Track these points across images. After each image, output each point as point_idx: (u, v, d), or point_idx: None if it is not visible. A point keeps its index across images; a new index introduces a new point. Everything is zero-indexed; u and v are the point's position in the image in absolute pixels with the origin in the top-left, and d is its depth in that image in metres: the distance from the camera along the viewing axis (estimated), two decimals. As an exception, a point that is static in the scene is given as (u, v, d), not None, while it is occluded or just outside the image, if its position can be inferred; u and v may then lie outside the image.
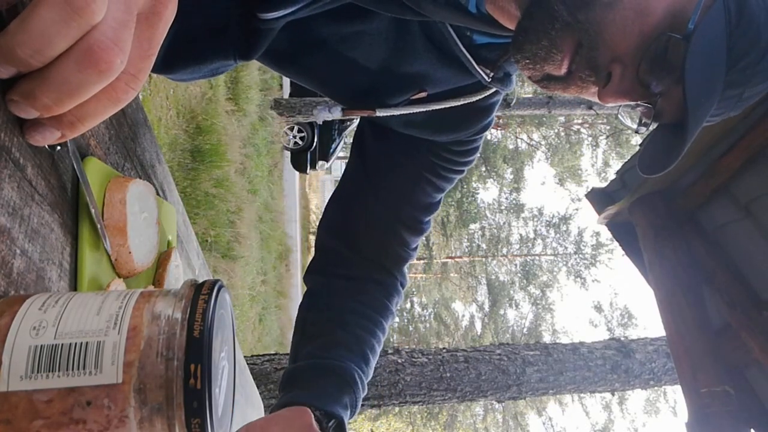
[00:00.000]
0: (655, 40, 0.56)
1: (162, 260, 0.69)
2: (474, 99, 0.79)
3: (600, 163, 16.42)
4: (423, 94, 0.79)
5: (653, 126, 0.65)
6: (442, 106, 0.78)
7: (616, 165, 14.93)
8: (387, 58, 0.75)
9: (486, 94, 0.80)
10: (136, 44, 0.33)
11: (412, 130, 0.84)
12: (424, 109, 0.79)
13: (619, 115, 0.68)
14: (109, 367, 0.28)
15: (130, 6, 0.32)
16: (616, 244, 2.57)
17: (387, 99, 0.80)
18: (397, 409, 16.76)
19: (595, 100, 0.65)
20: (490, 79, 0.75)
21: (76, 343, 0.28)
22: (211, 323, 0.30)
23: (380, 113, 0.78)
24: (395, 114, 0.79)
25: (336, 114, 0.81)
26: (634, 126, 0.66)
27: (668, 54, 0.56)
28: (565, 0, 0.57)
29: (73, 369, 0.28)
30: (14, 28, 0.29)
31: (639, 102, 0.61)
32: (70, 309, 0.31)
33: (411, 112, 0.78)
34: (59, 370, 0.28)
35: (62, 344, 0.28)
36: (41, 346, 0.28)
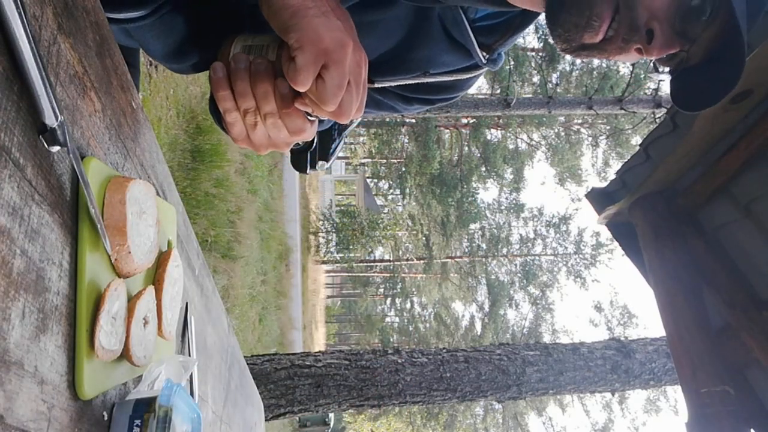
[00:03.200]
0: None
1: (162, 260, 0.69)
2: (464, 77, 0.87)
3: (600, 163, 16.41)
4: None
5: (666, 74, 0.70)
6: (435, 80, 0.85)
7: (616, 165, 14.92)
8: (399, 43, 0.81)
9: (474, 74, 0.87)
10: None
11: (396, 89, 0.91)
12: (419, 81, 0.85)
13: (651, 69, 0.71)
14: (271, 54, 0.62)
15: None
16: (615, 244, 2.56)
17: (390, 77, 0.85)
18: (397, 409, 16.76)
19: (630, 59, 0.68)
20: (485, 61, 0.83)
21: (260, 45, 0.62)
22: None
23: (378, 84, 0.85)
24: (392, 84, 0.86)
25: None
26: (664, 74, 0.70)
27: (697, 2, 0.61)
28: None
29: (256, 54, 0.62)
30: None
31: (678, 50, 0.65)
32: (256, 35, 0.64)
33: (406, 83, 0.86)
34: (251, 53, 0.62)
35: (255, 44, 0.63)
36: (246, 45, 0.63)
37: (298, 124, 0.62)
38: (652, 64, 0.71)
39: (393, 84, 0.85)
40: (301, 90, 0.57)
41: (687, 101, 0.68)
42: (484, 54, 0.82)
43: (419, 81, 0.85)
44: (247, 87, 0.60)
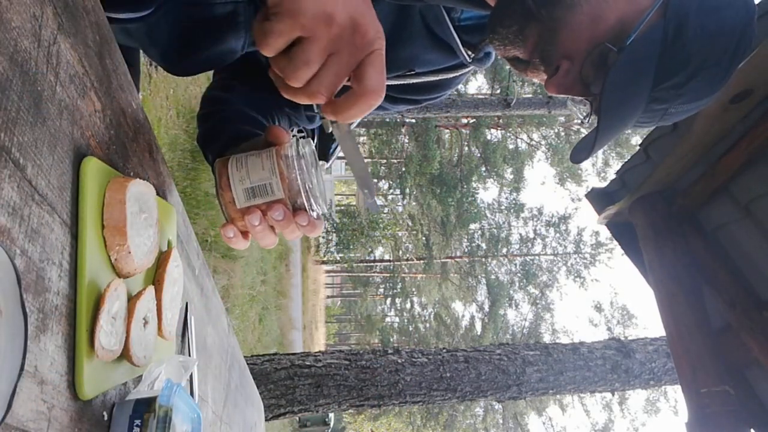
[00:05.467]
0: (597, 47, 0.63)
1: (162, 260, 0.69)
2: (450, 76, 0.87)
3: (600, 163, 16.42)
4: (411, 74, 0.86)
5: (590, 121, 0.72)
6: (421, 80, 0.86)
7: (616, 165, 14.93)
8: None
9: (461, 73, 0.87)
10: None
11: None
12: (405, 82, 0.86)
13: (568, 103, 0.73)
14: (278, 192, 0.61)
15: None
16: (615, 243, 2.57)
17: None
18: (397, 409, 16.75)
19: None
20: (471, 60, 0.83)
21: (261, 184, 0.61)
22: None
23: None
24: None
25: None
26: (579, 119, 0.72)
27: (608, 60, 0.63)
28: None
29: (263, 196, 0.61)
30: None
31: (580, 98, 0.68)
32: (249, 168, 0.61)
33: (393, 83, 0.85)
34: (258, 197, 0.61)
35: (256, 185, 0.61)
36: (247, 188, 0.62)
37: (318, 233, 0.66)
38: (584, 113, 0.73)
39: None
40: (267, 54, 0.52)
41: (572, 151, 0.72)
42: (470, 52, 0.82)
43: (405, 82, 0.85)
44: (266, 235, 0.63)
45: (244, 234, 0.65)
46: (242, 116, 0.83)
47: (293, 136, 0.65)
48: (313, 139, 0.92)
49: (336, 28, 0.50)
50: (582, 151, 0.68)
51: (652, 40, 0.61)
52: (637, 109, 0.65)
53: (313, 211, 0.64)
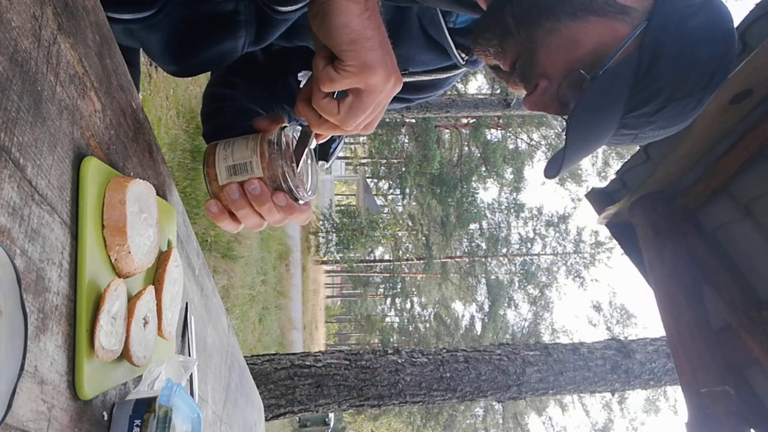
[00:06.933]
0: (573, 71, 0.64)
1: (162, 260, 0.69)
2: (442, 76, 0.89)
3: (600, 163, 16.43)
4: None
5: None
6: (413, 79, 0.87)
7: (616, 165, 14.93)
8: None
9: (453, 74, 0.89)
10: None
11: None
12: None
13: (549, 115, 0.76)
14: (257, 170, 0.65)
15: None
16: (615, 243, 2.56)
17: None
18: (397, 409, 16.76)
19: None
20: (464, 62, 0.85)
21: (242, 162, 0.65)
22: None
23: None
24: None
25: None
26: (558, 131, 0.75)
27: (583, 83, 0.64)
28: (515, 14, 0.66)
29: (243, 173, 0.65)
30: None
31: (557, 116, 0.70)
32: (234, 148, 0.66)
33: None
34: (239, 174, 0.65)
35: (238, 163, 0.66)
36: (229, 165, 0.66)
37: (302, 219, 0.69)
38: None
39: None
40: (324, 89, 0.60)
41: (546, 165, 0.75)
42: (463, 54, 0.84)
43: None
44: (248, 212, 0.67)
45: (233, 216, 0.68)
46: (249, 112, 0.85)
47: (283, 125, 0.69)
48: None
49: (390, 84, 0.61)
50: (552, 168, 0.70)
51: (626, 70, 0.62)
52: (605, 134, 0.67)
53: (297, 199, 0.67)
